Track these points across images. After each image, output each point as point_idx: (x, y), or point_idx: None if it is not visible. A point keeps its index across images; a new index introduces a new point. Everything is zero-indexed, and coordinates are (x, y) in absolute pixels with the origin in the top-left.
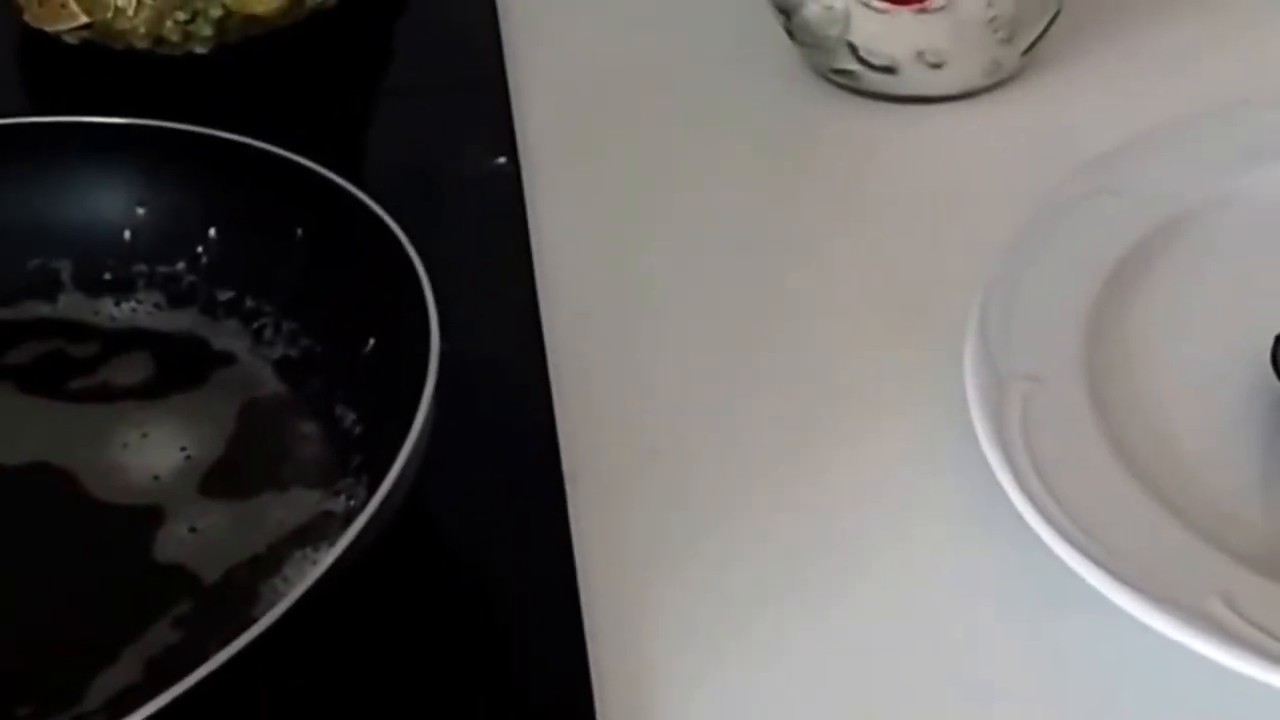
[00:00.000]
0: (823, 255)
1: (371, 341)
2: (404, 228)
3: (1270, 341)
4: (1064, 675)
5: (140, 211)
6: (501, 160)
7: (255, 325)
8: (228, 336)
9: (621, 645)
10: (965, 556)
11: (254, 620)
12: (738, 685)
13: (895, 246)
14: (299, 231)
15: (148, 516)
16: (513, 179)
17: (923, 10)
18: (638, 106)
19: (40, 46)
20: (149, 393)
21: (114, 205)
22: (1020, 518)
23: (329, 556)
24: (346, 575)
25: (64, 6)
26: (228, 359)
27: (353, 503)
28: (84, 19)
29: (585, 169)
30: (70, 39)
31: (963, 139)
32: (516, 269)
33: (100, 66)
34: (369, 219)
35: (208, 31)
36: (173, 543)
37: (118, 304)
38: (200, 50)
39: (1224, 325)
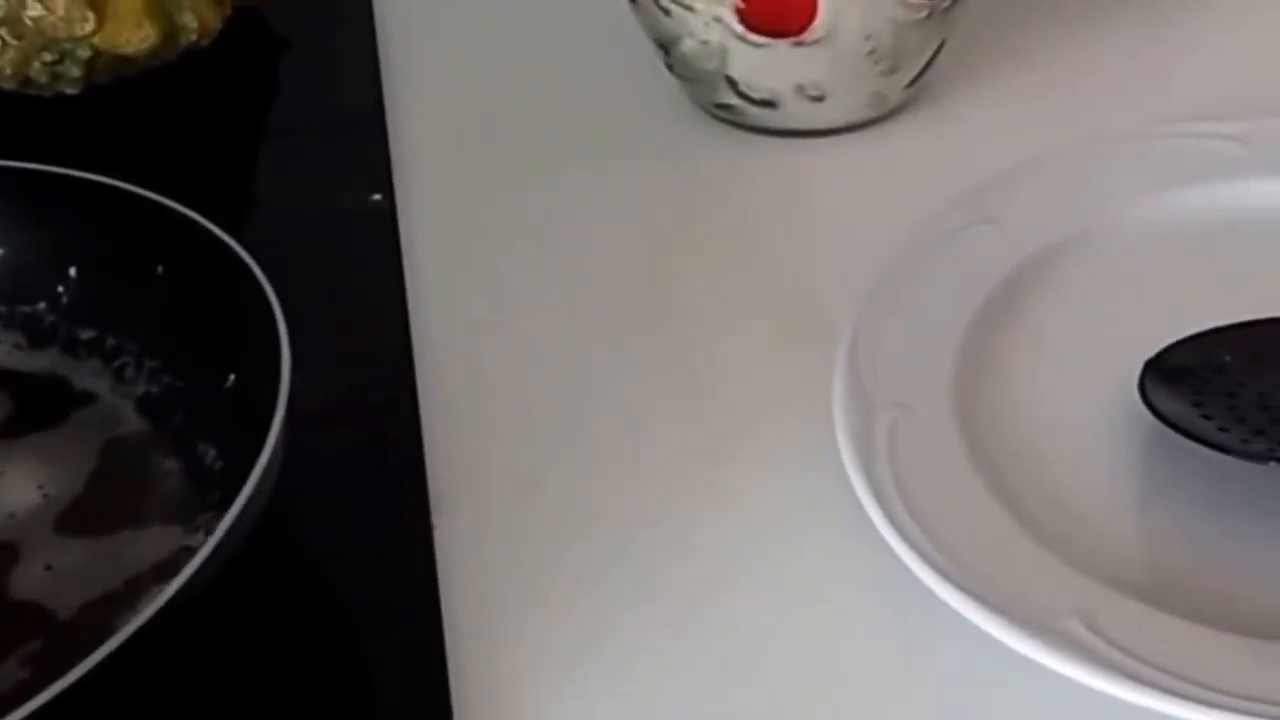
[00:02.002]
0: (702, 288)
1: (232, 377)
2: (277, 265)
3: (1140, 369)
4: (930, 697)
5: None
6: (377, 197)
7: (117, 364)
8: (89, 375)
9: (484, 672)
10: (832, 578)
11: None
12: (601, 708)
13: (775, 277)
14: (159, 269)
15: (2, 554)
16: (388, 215)
17: (800, 43)
18: (518, 142)
19: None
20: (8, 432)
21: None
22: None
23: (170, 589)
24: (194, 606)
25: None
26: (89, 398)
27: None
28: None
29: (463, 205)
30: None
31: (847, 172)
32: (389, 304)
33: None
34: (225, 254)
35: (76, 72)
36: (27, 580)
37: None
38: (70, 91)
39: (1095, 353)
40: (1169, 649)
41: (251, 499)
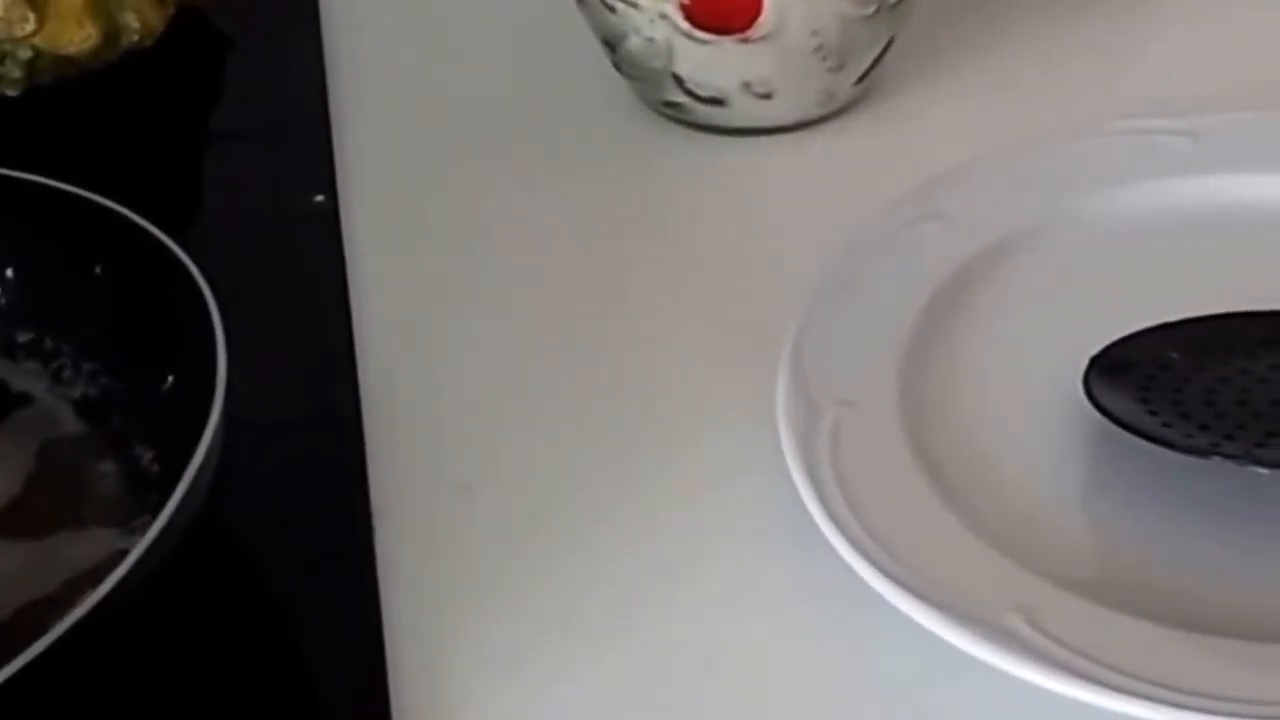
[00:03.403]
0: (652, 286)
1: (170, 379)
2: (218, 267)
3: (1084, 365)
4: (873, 694)
5: None
6: (320, 198)
7: (55, 365)
8: (27, 377)
9: (423, 680)
10: (777, 579)
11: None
12: (541, 710)
13: (724, 277)
14: (97, 270)
15: None
16: (331, 217)
17: (745, 40)
18: (464, 143)
19: None
20: None
21: None
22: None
23: (99, 592)
24: (125, 610)
25: None
26: (26, 399)
27: None
28: None
29: (407, 206)
30: None
31: (796, 170)
32: (332, 307)
33: None
34: (164, 255)
35: (17, 73)
36: None
37: None
38: (10, 92)
39: (1042, 349)
40: (1113, 645)
41: (184, 501)
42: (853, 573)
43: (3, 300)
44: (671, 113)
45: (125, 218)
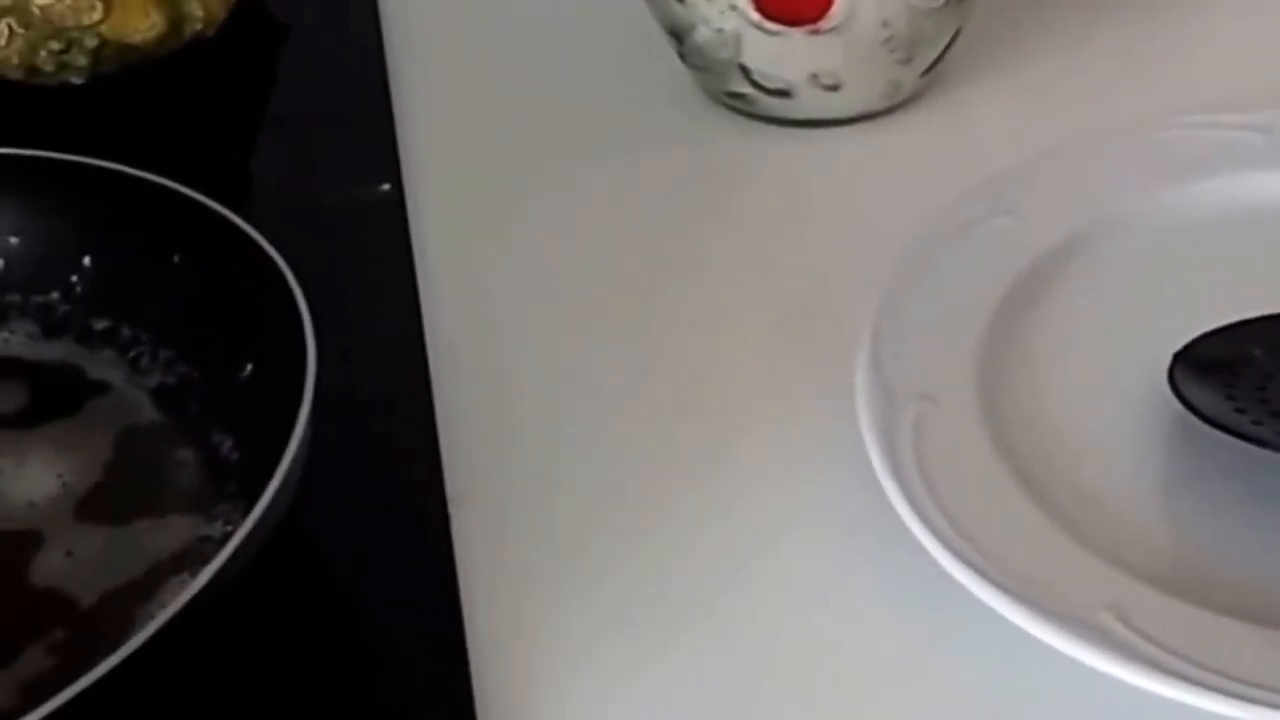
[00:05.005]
0: (716, 278)
1: (249, 367)
2: (286, 256)
3: (1166, 360)
4: (960, 691)
5: (13, 241)
6: (386, 187)
7: (131, 354)
8: (104, 365)
9: (505, 668)
10: (853, 574)
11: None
12: (624, 694)
13: (791, 268)
14: (175, 258)
15: (24, 541)
16: (397, 206)
17: (815, 31)
18: (526, 132)
19: None
20: (23, 422)
21: None
22: (913, 534)
23: (198, 582)
24: (218, 600)
25: None
26: (103, 388)
27: (230, 528)
28: None
29: (472, 195)
30: None
31: (861, 162)
32: (401, 295)
33: None
34: (245, 244)
35: (83, 61)
36: (49, 567)
37: None
38: (76, 80)
39: (1119, 344)
40: (1199, 642)
41: (281, 489)
42: (930, 567)
43: (80, 288)
44: (735, 104)
45: (207, 206)
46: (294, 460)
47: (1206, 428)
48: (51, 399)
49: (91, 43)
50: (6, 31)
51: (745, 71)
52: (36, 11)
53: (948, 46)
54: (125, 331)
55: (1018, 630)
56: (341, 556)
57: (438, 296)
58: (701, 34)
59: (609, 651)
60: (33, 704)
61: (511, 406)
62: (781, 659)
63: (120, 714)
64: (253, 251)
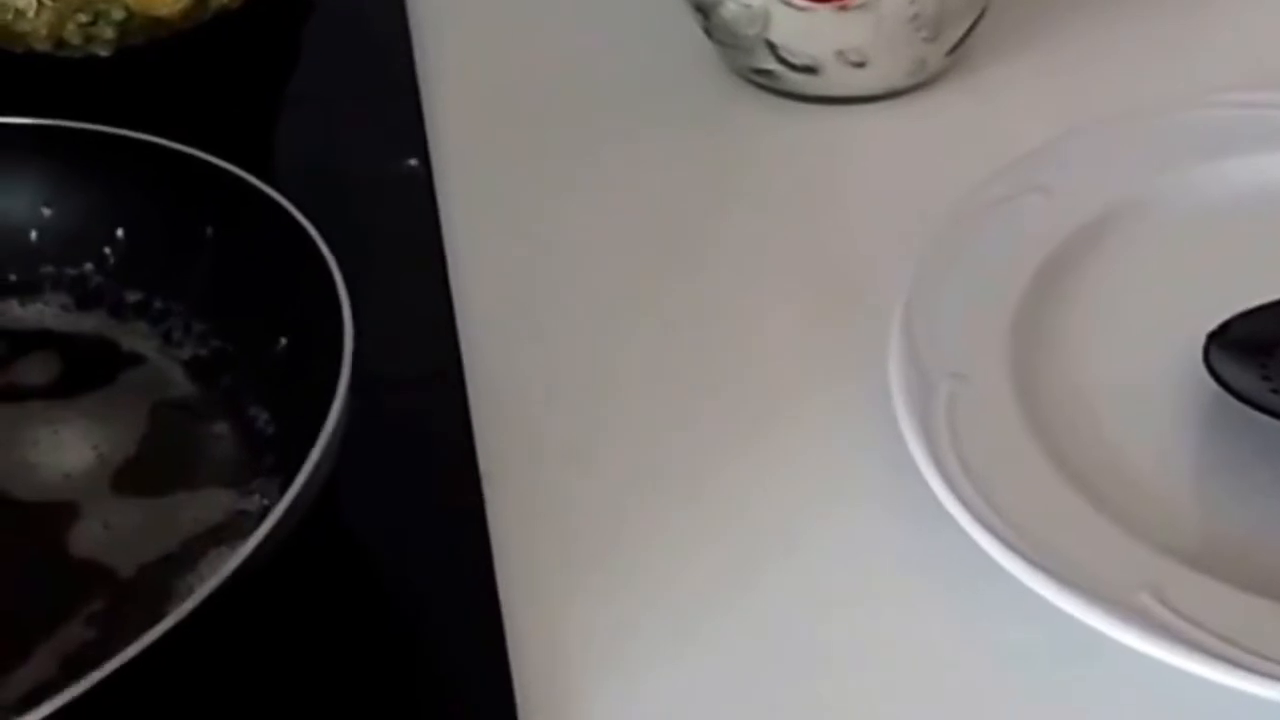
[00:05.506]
0: (744, 255)
1: (283, 341)
2: (318, 230)
3: (1201, 339)
4: (992, 668)
5: (46, 212)
6: (413, 162)
7: (164, 326)
8: (136, 338)
9: (542, 642)
10: (890, 550)
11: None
12: (661, 674)
13: (818, 246)
14: (209, 231)
15: (62, 512)
16: (424, 181)
17: (843, 8)
18: (552, 108)
19: None
20: (57, 393)
21: (20, 206)
22: (946, 512)
23: (242, 552)
24: (259, 573)
25: None
26: (137, 360)
27: (266, 502)
28: None
29: (499, 170)
30: None
31: (887, 139)
32: (430, 271)
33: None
34: (281, 217)
35: (110, 34)
36: (87, 539)
37: (23, 305)
38: (102, 53)
39: (1152, 324)
40: (1238, 623)
41: (321, 460)
42: (965, 546)
43: (113, 260)
44: (761, 80)
45: (241, 179)
46: (334, 431)
47: (1242, 407)
48: (85, 371)
49: (118, 15)
50: (35, 4)
51: (772, 47)
52: None
53: (974, 24)
54: (158, 304)
55: (1055, 610)
56: (373, 531)
57: (467, 272)
58: (729, 9)
59: (644, 627)
60: (73, 675)
61: (542, 381)
62: (816, 638)
63: (162, 684)
64: (287, 224)
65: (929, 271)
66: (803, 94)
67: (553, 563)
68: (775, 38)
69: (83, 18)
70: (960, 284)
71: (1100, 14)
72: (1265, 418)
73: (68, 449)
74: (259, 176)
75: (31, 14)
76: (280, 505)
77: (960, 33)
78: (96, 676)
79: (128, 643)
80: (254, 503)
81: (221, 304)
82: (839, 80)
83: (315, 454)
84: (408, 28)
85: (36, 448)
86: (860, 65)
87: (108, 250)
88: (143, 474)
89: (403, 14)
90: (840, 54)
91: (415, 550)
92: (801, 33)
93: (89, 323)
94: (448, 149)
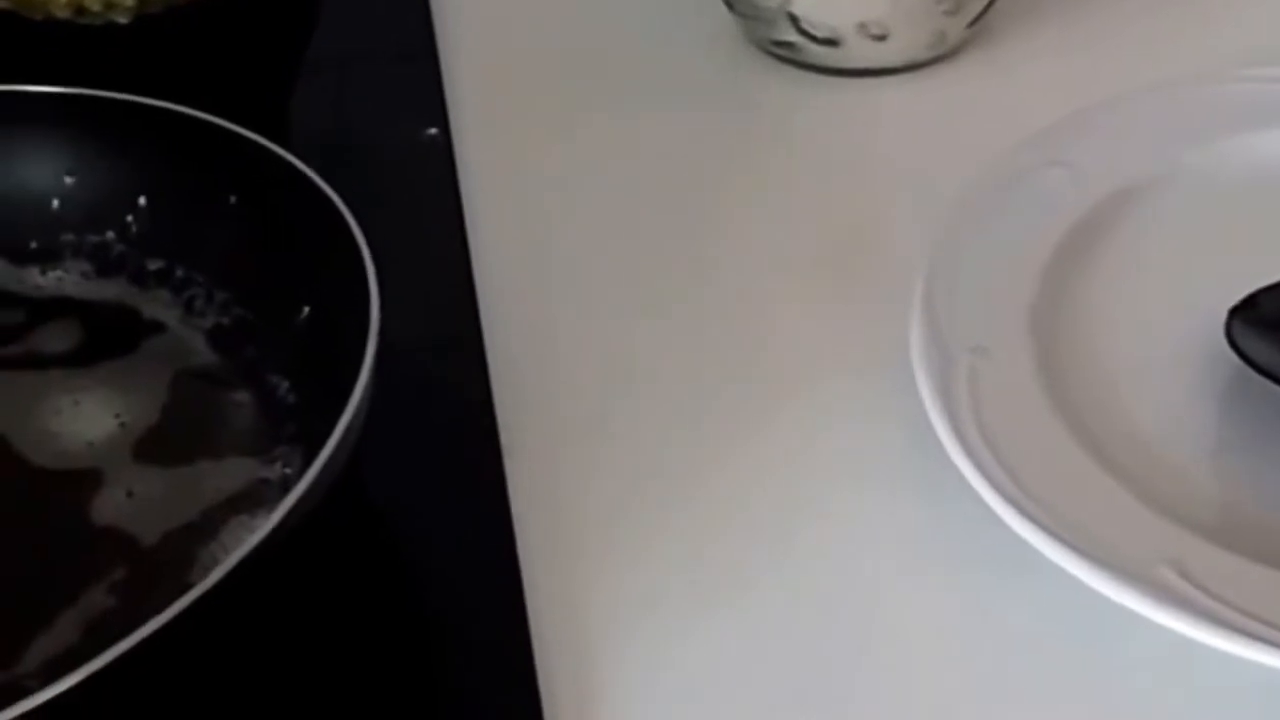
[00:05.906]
0: (764, 228)
1: (306, 310)
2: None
3: (1222, 313)
4: (1014, 642)
5: (68, 180)
6: (433, 131)
7: (186, 295)
8: (158, 306)
9: (563, 613)
10: (911, 524)
11: (191, 585)
12: (684, 644)
13: (838, 218)
14: (231, 199)
15: (85, 480)
16: (444, 150)
17: None
18: (571, 78)
19: None
20: (78, 361)
21: (42, 174)
22: (969, 485)
23: (269, 522)
24: (285, 542)
25: None
26: (158, 328)
27: (288, 471)
28: None
29: (518, 140)
30: None
31: (907, 112)
32: (449, 240)
33: (20, 36)
34: (304, 185)
35: (130, 1)
36: (110, 507)
37: (44, 273)
38: (121, 20)
39: (1174, 298)
40: (1260, 597)
41: (348, 429)
42: (988, 521)
43: (135, 228)
44: (782, 52)
45: (264, 147)
46: (361, 399)
47: (1264, 382)
48: (106, 339)
49: None
50: None
51: (793, 19)
52: None
53: None
54: (180, 272)
55: (1075, 583)
56: (391, 500)
57: (486, 241)
58: None
59: (669, 598)
60: (95, 642)
61: (563, 351)
62: (838, 613)
63: (187, 654)
64: (311, 193)
65: (950, 244)
66: (823, 66)
67: (574, 532)
68: (797, 10)
69: None
70: (982, 257)
71: None
72: None
73: (89, 417)
74: (276, 144)
75: None
76: (309, 473)
77: (981, 6)
78: (122, 647)
79: (150, 610)
80: (275, 471)
81: (243, 272)
82: (859, 53)
83: (343, 422)
84: None
85: (59, 416)
86: (881, 38)
87: (130, 218)
88: (165, 442)
89: None
90: (861, 26)
91: (435, 520)
92: (823, 5)
93: (110, 291)
94: (467, 118)
